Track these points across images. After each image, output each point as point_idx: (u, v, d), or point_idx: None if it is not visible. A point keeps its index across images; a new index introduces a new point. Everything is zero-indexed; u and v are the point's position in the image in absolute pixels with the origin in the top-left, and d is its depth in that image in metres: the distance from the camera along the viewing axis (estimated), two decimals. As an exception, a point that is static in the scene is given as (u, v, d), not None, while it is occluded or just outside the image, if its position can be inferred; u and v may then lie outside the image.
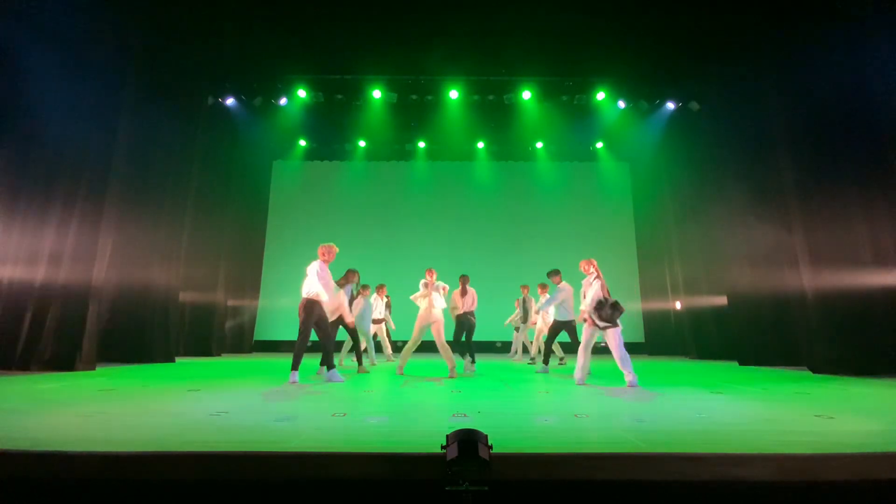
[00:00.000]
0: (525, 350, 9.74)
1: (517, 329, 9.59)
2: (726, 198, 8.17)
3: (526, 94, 9.85)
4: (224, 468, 1.82)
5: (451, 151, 12.31)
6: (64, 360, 5.57)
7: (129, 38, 6.76)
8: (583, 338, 4.92)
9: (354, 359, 6.57)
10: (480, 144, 12.30)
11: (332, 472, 1.82)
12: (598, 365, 7.24)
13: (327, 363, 4.92)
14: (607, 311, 4.64)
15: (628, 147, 11.99)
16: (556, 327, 6.52)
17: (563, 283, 6.55)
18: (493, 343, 11.67)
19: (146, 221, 7.29)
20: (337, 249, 5.10)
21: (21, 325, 5.60)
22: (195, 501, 1.82)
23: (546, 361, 6.39)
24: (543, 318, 7.76)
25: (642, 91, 10.02)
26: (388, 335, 8.73)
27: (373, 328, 7.79)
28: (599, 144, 12.40)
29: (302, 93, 9.76)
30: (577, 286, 7.66)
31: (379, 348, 9.01)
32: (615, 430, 2.46)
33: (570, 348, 7.64)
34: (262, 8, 7.63)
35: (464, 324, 6.42)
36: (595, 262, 5.03)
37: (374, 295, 7.89)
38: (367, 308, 7.13)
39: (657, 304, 11.42)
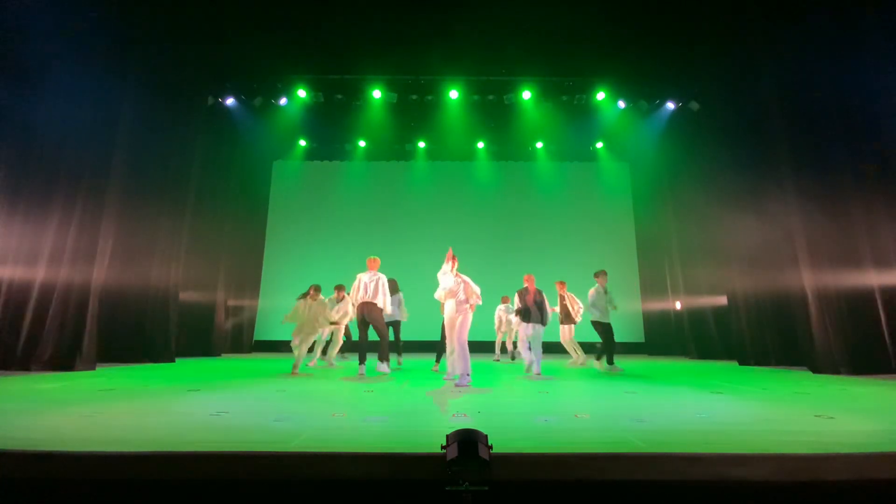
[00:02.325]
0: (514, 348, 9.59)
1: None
2: (726, 197, 8.17)
3: (526, 94, 9.85)
4: (224, 468, 1.82)
5: (451, 151, 12.31)
6: (64, 360, 5.56)
7: (130, 39, 6.76)
8: (525, 335, 5.71)
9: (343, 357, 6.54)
10: (480, 144, 12.30)
11: (332, 472, 1.82)
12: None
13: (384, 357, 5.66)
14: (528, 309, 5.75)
15: (628, 147, 11.99)
16: (605, 328, 6.59)
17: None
18: (493, 343, 11.64)
19: (146, 221, 7.29)
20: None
21: (21, 325, 5.59)
22: (195, 501, 1.82)
23: (610, 361, 6.42)
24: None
25: (642, 91, 10.02)
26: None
27: (329, 329, 7.65)
28: (599, 144, 12.40)
29: (302, 93, 9.76)
30: (577, 291, 7.79)
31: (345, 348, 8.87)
32: (615, 430, 2.46)
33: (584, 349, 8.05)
34: (262, 8, 7.63)
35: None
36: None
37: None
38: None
39: (657, 304, 11.42)
